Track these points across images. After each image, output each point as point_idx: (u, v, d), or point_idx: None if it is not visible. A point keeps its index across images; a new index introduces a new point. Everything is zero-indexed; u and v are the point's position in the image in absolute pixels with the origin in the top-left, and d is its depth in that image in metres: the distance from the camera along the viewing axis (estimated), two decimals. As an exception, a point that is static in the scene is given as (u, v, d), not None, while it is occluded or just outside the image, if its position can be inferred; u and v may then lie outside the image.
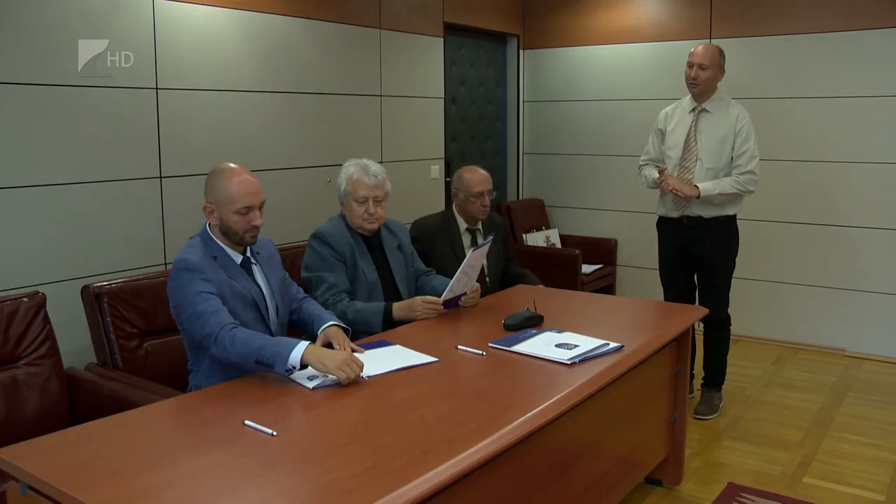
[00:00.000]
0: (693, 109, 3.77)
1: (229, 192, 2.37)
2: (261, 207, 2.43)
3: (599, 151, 5.72)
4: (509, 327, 2.70)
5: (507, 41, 5.96)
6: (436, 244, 3.54)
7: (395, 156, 4.72)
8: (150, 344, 2.92)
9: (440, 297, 2.96)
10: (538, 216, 5.87)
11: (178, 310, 2.35)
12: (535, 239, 5.64)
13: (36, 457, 1.70)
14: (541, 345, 2.50)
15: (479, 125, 5.76)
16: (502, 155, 6.07)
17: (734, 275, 3.86)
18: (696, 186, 3.63)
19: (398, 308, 2.86)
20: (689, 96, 3.80)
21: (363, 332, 2.76)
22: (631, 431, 2.73)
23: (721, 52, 3.71)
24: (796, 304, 5.02)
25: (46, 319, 2.69)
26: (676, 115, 3.83)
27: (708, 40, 5.01)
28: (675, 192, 3.65)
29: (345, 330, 2.52)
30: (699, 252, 3.78)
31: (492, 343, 2.52)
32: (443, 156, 5.21)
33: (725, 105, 3.73)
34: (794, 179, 4.92)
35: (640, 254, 5.49)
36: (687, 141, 3.73)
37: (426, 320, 2.87)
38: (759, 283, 5.09)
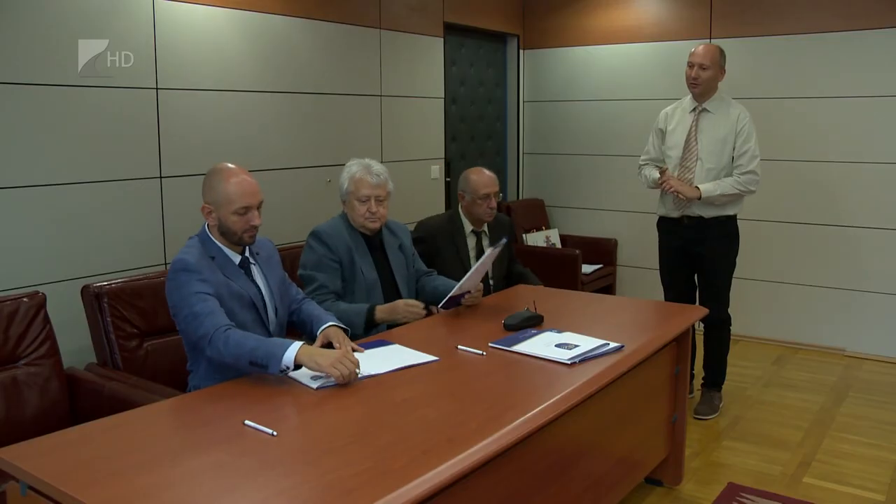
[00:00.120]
0: (694, 109, 3.77)
1: (227, 192, 2.36)
2: (259, 207, 2.43)
3: (599, 151, 5.72)
4: (509, 327, 2.70)
5: (507, 41, 5.96)
6: (440, 245, 3.52)
7: (396, 156, 4.72)
8: (150, 344, 2.92)
9: (443, 297, 2.98)
10: (538, 216, 5.87)
11: (176, 310, 2.35)
12: (536, 239, 5.64)
13: (36, 457, 1.69)
14: (541, 345, 2.50)
15: (479, 125, 5.76)
16: (502, 155, 6.07)
17: (734, 275, 3.86)
18: (698, 188, 3.62)
19: (381, 310, 2.85)
20: (689, 96, 3.80)
21: None
22: (631, 431, 2.73)
23: (722, 52, 3.71)
24: (796, 304, 5.02)
25: (46, 319, 2.69)
26: (677, 114, 3.83)
27: (708, 40, 5.01)
28: (676, 193, 3.65)
29: (344, 330, 2.52)
30: (699, 252, 3.78)
31: (492, 343, 2.52)
32: (443, 156, 5.21)
33: (726, 105, 3.72)
34: (795, 179, 4.92)
35: (640, 254, 5.49)
36: (687, 141, 3.73)
37: (426, 320, 2.87)
38: (759, 283, 5.09)
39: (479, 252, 3.61)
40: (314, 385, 2.12)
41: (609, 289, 5.66)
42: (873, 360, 4.75)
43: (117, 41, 3.22)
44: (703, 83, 3.67)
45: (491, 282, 3.61)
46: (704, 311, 3.30)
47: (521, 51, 5.96)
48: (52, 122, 3.03)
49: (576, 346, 2.47)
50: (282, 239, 3.61)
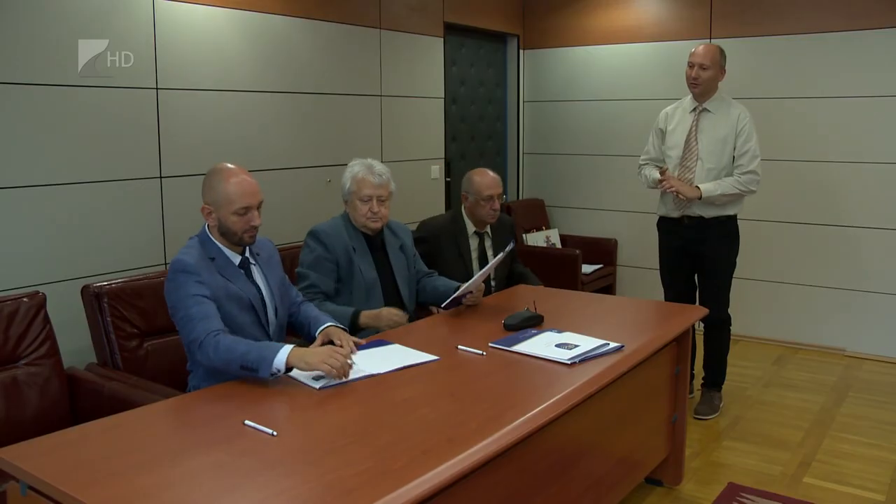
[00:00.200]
0: (694, 109, 3.77)
1: (227, 192, 2.36)
2: (259, 207, 2.43)
3: (599, 151, 5.72)
4: (509, 327, 2.70)
5: (508, 41, 5.96)
6: (442, 246, 3.51)
7: (396, 156, 4.72)
8: (151, 344, 2.92)
9: (443, 297, 2.99)
10: (538, 216, 5.87)
11: (173, 311, 2.35)
12: (536, 239, 5.64)
13: (36, 457, 1.69)
14: (541, 345, 2.50)
15: (479, 125, 5.76)
16: (502, 155, 6.07)
17: (734, 275, 3.86)
18: (698, 187, 3.62)
19: (366, 316, 2.84)
20: (689, 96, 3.80)
21: None
22: (631, 431, 2.73)
23: (722, 52, 3.71)
24: (796, 304, 5.02)
25: (46, 319, 2.69)
26: (677, 114, 3.83)
27: (708, 40, 5.01)
28: (676, 193, 3.64)
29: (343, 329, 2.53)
30: (700, 252, 3.78)
31: (492, 343, 2.52)
32: (443, 156, 5.21)
33: (726, 105, 3.72)
34: (795, 179, 4.92)
35: (640, 254, 5.49)
36: (688, 141, 3.73)
37: (427, 320, 2.88)
38: (760, 283, 5.09)
39: (482, 253, 3.60)
40: (317, 385, 2.12)
41: (609, 289, 5.66)
42: (873, 360, 4.75)
43: (117, 41, 3.22)
44: (704, 83, 3.67)
45: (493, 283, 3.61)
46: (704, 311, 3.30)
47: (521, 51, 5.96)
48: (52, 122, 3.03)
49: (576, 346, 2.47)
50: (282, 239, 3.60)
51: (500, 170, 6.00)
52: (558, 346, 2.47)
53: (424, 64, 4.98)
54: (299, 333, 2.66)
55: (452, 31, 5.26)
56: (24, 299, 2.66)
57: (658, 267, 4.01)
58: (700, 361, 4.06)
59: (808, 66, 4.82)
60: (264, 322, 2.49)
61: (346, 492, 1.53)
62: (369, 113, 4.58)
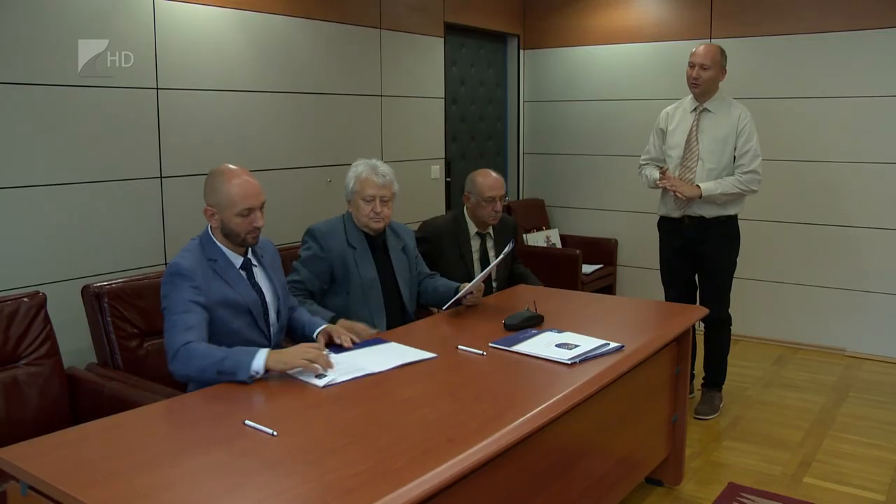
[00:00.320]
0: (695, 109, 3.76)
1: (230, 194, 2.36)
2: (262, 208, 2.43)
3: (599, 151, 5.72)
4: (510, 327, 2.70)
5: (508, 41, 5.96)
6: (444, 246, 3.51)
7: (396, 156, 4.71)
8: (151, 344, 2.92)
9: (443, 298, 3.02)
10: (538, 216, 5.87)
11: (164, 313, 2.35)
12: (536, 239, 5.64)
13: (36, 457, 1.69)
14: (541, 345, 2.50)
15: (479, 125, 5.76)
16: (502, 155, 6.07)
17: (735, 275, 3.86)
18: (698, 186, 3.62)
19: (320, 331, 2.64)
20: (690, 96, 3.80)
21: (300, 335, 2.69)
22: (631, 431, 2.73)
23: (722, 52, 3.71)
24: (797, 304, 5.02)
25: (47, 319, 2.69)
26: (678, 114, 3.83)
27: (708, 40, 5.01)
28: (676, 193, 3.64)
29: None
30: (700, 252, 3.78)
31: (492, 343, 2.52)
32: (443, 156, 5.21)
33: (727, 105, 3.72)
34: (795, 179, 4.92)
35: (641, 254, 5.49)
36: (688, 141, 3.73)
37: (427, 320, 2.90)
38: (760, 283, 5.09)
39: (483, 254, 3.60)
40: (321, 383, 2.13)
41: (609, 289, 5.66)
42: (873, 360, 4.75)
43: (117, 41, 3.22)
44: (704, 83, 3.67)
45: (494, 283, 3.61)
46: (705, 311, 3.30)
47: (521, 51, 5.96)
48: (52, 122, 3.03)
49: (576, 346, 2.46)
50: (282, 239, 3.60)
51: (501, 170, 5.97)
52: (558, 346, 2.47)
53: (424, 64, 4.98)
54: (291, 336, 2.67)
55: (452, 31, 5.26)
56: (25, 299, 2.66)
57: (658, 267, 4.01)
58: (700, 361, 4.06)
59: (808, 66, 4.82)
60: (263, 325, 2.48)
61: (346, 492, 1.53)
62: (369, 113, 4.58)
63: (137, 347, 2.88)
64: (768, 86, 4.92)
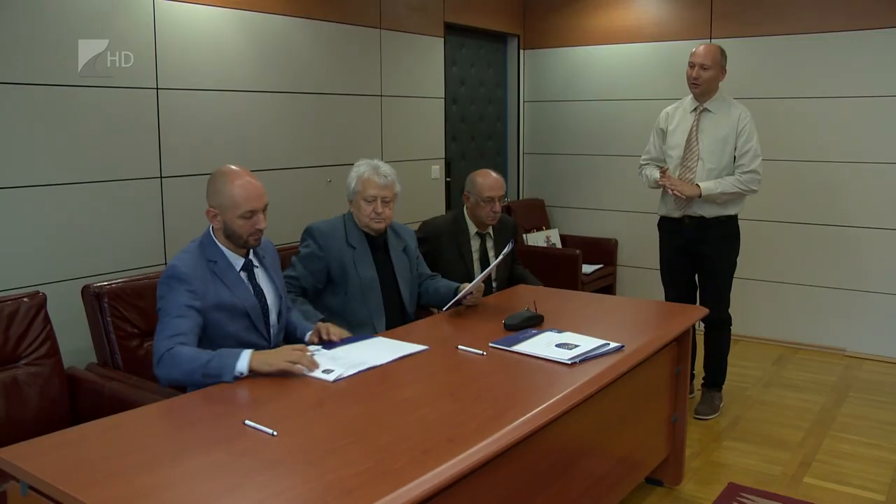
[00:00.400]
0: (695, 109, 3.76)
1: (233, 196, 2.36)
2: (264, 210, 2.43)
3: (599, 151, 5.72)
4: (510, 327, 2.70)
5: (508, 41, 5.96)
6: (444, 246, 3.51)
7: (396, 156, 4.71)
8: (151, 344, 2.90)
9: (444, 298, 3.03)
10: (538, 216, 5.87)
11: (159, 314, 2.36)
12: (536, 239, 5.64)
13: (36, 457, 1.69)
14: (541, 345, 2.50)
15: (479, 125, 5.76)
16: (502, 155, 6.07)
17: (735, 275, 3.86)
18: (698, 185, 3.63)
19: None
20: (690, 96, 3.80)
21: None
22: (631, 431, 2.73)
23: (722, 52, 3.71)
24: (797, 304, 5.02)
25: (47, 319, 2.69)
26: (678, 114, 3.83)
27: (708, 40, 5.01)
28: (675, 192, 3.64)
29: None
30: (700, 252, 3.78)
31: (492, 343, 2.52)
32: (443, 156, 5.21)
33: (727, 105, 3.72)
34: (795, 179, 4.92)
35: (641, 254, 5.49)
36: (688, 141, 3.73)
37: (427, 320, 2.90)
38: (760, 283, 5.09)
39: (483, 254, 3.60)
40: (330, 378, 2.16)
41: (609, 289, 5.66)
42: (873, 360, 4.75)
43: (117, 41, 3.22)
44: (704, 83, 3.67)
45: (494, 283, 3.61)
46: (705, 311, 3.30)
47: (521, 51, 5.96)
48: (51, 122, 3.03)
49: (576, 346, 2.46)
50: (282, 239, 3.61)
51: (501, 170, 5.98)
52: (558, 346, 2.47)
53: (424, 64, 4.98)
54: (284, 337, 2.67)
55: (452, 31, 5.26)
56: (25, 299, 2.66)
57: (658, 267, 4.01)
58: (700, 361, 4.06)
59: (808, 66, 4.82)
60: (262, 327, 2.48)
61: (346, 492, 1.53)
62: (369, 113, 4.58)
63: (137, 347, 2.88)
64: (768, 86, 4.92)
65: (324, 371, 2.21)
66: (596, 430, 2.45)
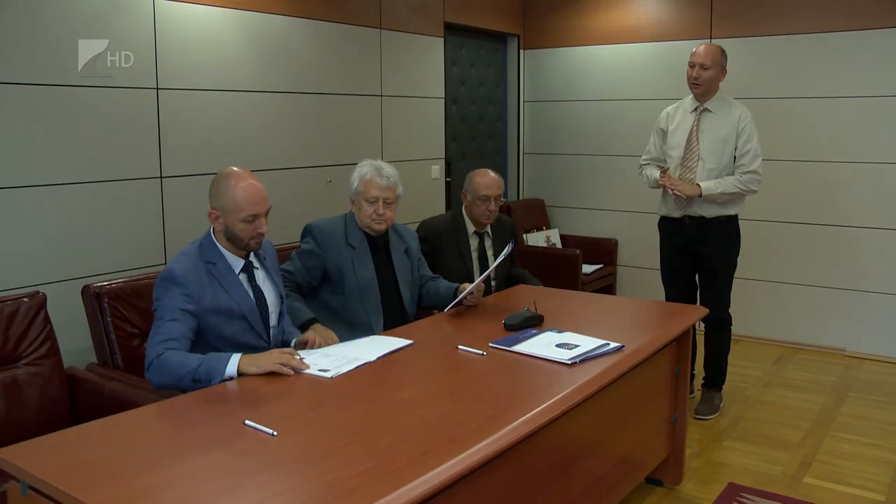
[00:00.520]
0: (695, 109, 3.76)
1: (235, 199, 2.35)
2: (266, 214, 2.43)
3: (599, 151, 5.72)
4: (510, 327, 2.70)
5: (508, 41, 5.96)
6: (443, 246, 3.51)
7: (396, 156, 4.71)
8: (150, 344, 2.91)
9: (444, 299, 3.03)
10: (538, 216, 5.87)
11: (154, 315, 2.36)
12: (536, 239, 5.64)
13: (36, 457, 1.69)
14: (541, 345, 2.50)
15: (479, 125, 5.76)
16: (503, 155, 6.07)
17: (735, 275, 3.86)
18: (699, 185, 3.63)
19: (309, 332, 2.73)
20: (690, 96, 3.80)
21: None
22: (631, 431, 2.73)
23: (723, 52, 3.71)
24: (797, 304, 5.02)
25: (47, 319, 2.69)
26: (678, 114, 3.83)
27: (708, 40, 5.01)
28: (676, 192, 3.64)
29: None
30: (701, 252, 3.78)
31: (492, 343, 2.52)
32: (443, 156, 5.21)
33: (727, 105, 3.72)
34: (795, 179, 4.92)
35: (641, 254, 5.49)
36: (689, 141, 3.73)
37: (427, 320, 2.90)
38: (760, 283, 5.09)
39: (482, 253, 3.60)
40: (328, 376, 2.18)
41: (609, 289, 5.66)
42: (873, 360, 4.75)
43: (117, 41, 3.22)
44: (705, 83, 3.67)
45: (493, 283, 3.61)
46: (705, 311, 3.30)
47: (521, 51, 5.96)
48: (51, 122, 3.03)
49: (576, 346, 2.46)
50: (282, 239, 3.61)
51: (501, 170, 5.99)
52: (558, 346, 2.47)
53: (424, 64, 4.98)
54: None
55: (452, 31, 5.26)
56: (25, 299, 2.66)
57: (659, 267, 4.01)
58: (700, 361, 4.06)
59: (808, 66, 4.82)
60: (261, 329, 2.48)
61: (346, 492, 1.53)
62: (369, 113, 4.58)
63: (137, 347, 2.87)
64: (768, 86, 4.92)
65: (320, 370, 2.22)
66: (596, 430, 2.45)
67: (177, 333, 2.27)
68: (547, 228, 5.81)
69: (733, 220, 3.78)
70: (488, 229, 3.61)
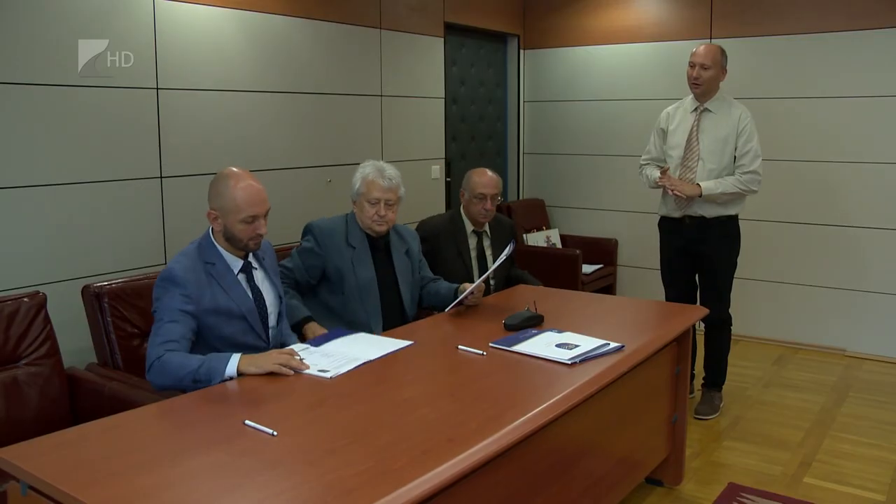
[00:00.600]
0: (695, 109, 3.76)
1: (235, 200, 2.35)
2: (266, 215, 2.43)
3: (599, 151, 5.72)
4: (510, 327, 2.70)
5: (508, 41, 5.96)
6: (441, 245, 3.51)
7: (396, 156, 4.71)
8: (150, 344, 2.91)
9: (444, 300, 3.03)
10: (538, 216, 5.87)
11: (154, 316, 2.36)
12: (536, 239, 5.64)
13: (36, 457, 1.69)
14: (541, 345, 2.50)
15: (479, 125, 5.76)
16: (503, 155, 6.07)
17: (735, 275, 3.86)
18: (699, 185, 3.63)
19: (308, 328, 2.84)
20: (690, 96, 3.80)
21: None
22: (631, 431, 2.73)
23: (723, 52, 3.71)
24: (797, 304, 5.02)
25: (47, 319, 2.69)
26: (678, 114, 3.83)
27: (708, 40, 5.01)
28: (676, 192, 3.64)
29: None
30: (701, 252, 3.78)
31: (492, 343, 2.52)
32: (443, 156, 5.21)
33: (727, 105, 3.72)
34: (795, 179, 4.92)
35: (641, 254, 5.49)
36: (689, 141, 3.73)
37: (427, 320, 2.90)
38: (760, 283, 5.09)
39: (481, 252, 3.61)
40: (328, 376, 2.18)
41: (609, 289, 5.66)
42: (873, 360, 4.75)
43: (117, 41, 3.22)
44: (705, 83, 3.67)
45: (492, 282, 3.61)
46: (705, 311, 3.30)
47: (521, 51, 5.96)
48: (51, 122, 3.03)
49: (576, 346, 2.46)
50: (282, 239, 3.61)
51: (500, 170, 6.00)
52: (558, 346, 2.47)
53: (424, 64, 4.98)
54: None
55: (452, 31, 5.26)
56: (25, 299, 2.66)
57: (658, 267, 4.01)
58: (700, 361, 4.06)
59: (808, 66, 4.82)
60: (260, 329, 2.48)
61: (346, 492, 1.53)
62: (369, 113, 4.58)
63: (137, 347, 2.87)
64: (768, 86, 4.92)
65: (320, 370, 2.22)
66: (596, 430, 2.45)
67: (177, 335, 2.27)
68: (547, 228, 5.81)
69: (733, 220, 3.78)
70: (487, 229, 3.61)
